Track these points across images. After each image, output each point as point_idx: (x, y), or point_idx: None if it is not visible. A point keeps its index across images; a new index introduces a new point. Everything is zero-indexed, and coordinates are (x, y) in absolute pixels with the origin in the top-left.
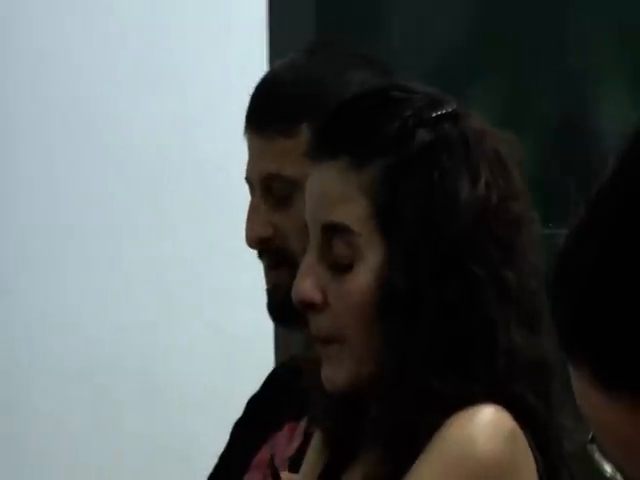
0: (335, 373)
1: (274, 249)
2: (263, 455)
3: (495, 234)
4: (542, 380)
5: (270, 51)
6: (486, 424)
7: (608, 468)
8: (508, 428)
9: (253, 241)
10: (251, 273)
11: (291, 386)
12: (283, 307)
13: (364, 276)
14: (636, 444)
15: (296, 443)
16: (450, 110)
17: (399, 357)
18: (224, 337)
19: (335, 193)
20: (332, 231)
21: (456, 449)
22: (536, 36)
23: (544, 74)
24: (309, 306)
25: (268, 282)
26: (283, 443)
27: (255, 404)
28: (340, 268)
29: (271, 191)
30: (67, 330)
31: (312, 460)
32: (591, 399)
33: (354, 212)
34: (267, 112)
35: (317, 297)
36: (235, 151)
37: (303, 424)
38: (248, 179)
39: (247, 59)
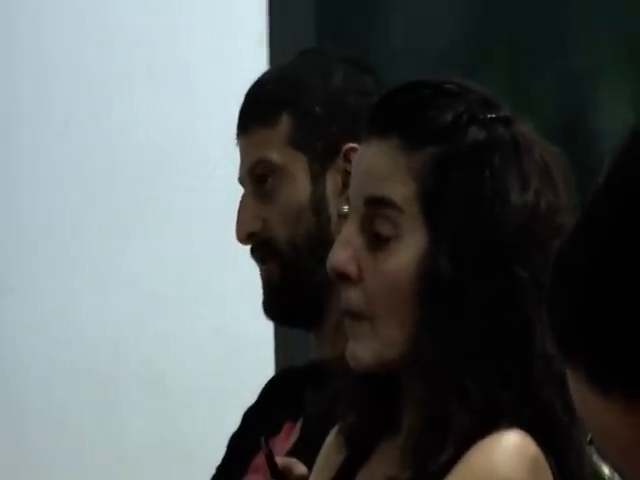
0: (361, 351)
1: (263, 242)
2: (261, 459)
3: (540, 241)
4: (568, 392)
5: (270, 51)
6: (510, 452)
7: (606, 470)
8: (531, 455)
9: (243, 236)
10: (253, 274)
11: (288, 390)
12: (277, 304)
13: (403, 256)
14: (632, 446)
15: (293, 439)
16: (504, 114)
17: (439, 345)
18: (225, 338)
19: (383, 170)
20: (376, 205)
21: (480, 477)
22: (536, 36)
23: (544, 74)
24: (343, 277)
25: (262, 280)
26: (281, 443)
27: (251, 415)
28: (379, 244)
29: (258, 181)
30: (70, 330)
31: (325, 458)
32: (587, 402)
33: (400, 190)
34: (250, 111)
35: (352, 269)
36: (237, 151)
37: (300, 423)
38: (240, 179)
39: (247, 59)
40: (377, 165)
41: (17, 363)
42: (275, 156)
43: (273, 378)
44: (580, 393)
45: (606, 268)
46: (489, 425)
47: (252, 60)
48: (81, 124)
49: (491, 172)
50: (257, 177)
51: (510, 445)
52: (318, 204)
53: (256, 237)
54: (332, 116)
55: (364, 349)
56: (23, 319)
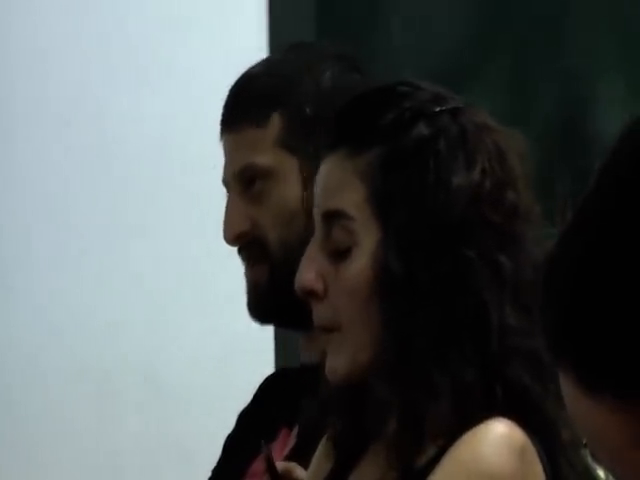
0: (335, 362)
1: (252, 243)
2: (259, 465)
3: (489, 220)
4: (538, 366)
5: (270, 51)
6: (497, 443)
7: (601, 473)
8: (519, 445)
9: (231, 237)
10: None
11: (283, 393)
12: (263, 305)
13: (360, 261)
14: (622, 447)
15: (289, 446)
16: (452, 106)
17: (399, 340)
18: (225, 338)
19: (334, 182)
20: (331, 219)
21: (467, 469)
22: (536, 36)
23: (544, 74)
24: (311, 294)
25: (248, 280)
26: (278, 449)
27: (246, 418)
28: (339, 255)
29: (246, 184)
30: (68, 329)
31: (317, 466)
32: (578, 404)
33: (350, 198)
34: (238, 107)
35: (318, 286)
36: None
37: (296, 429)
38: (225, 180)
39: (247, 59)
40: (330, 178)
41: (14, 361)
42: (265, 159)
43: (267, 379)
44: (571, 395)
45: (595, 269)
46: (464, 410)
47: (252, 60)
48: (81, 123)
49: (435, 162)
50: (246, 180)
51: (498, 437)
52: (310, 207)
53: (246, 237)
54: (322, 117)
55: (337, 360)
56: (22, 318)
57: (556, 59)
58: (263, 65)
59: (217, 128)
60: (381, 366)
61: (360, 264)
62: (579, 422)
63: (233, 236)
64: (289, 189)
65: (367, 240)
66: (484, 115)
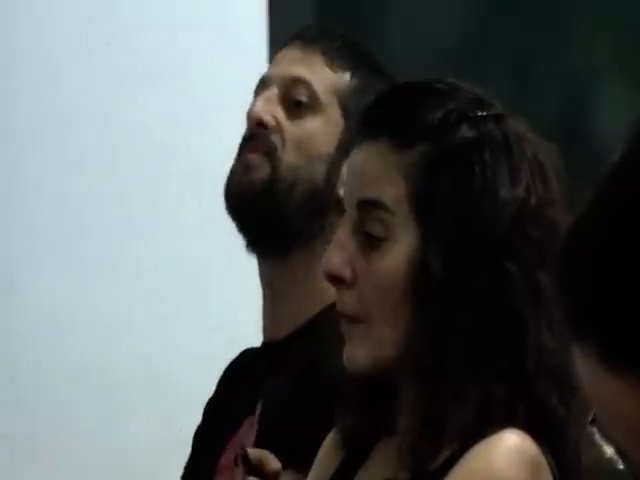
0: (356, 353)
1: (266, 142)
2: (227, 458)
3: (531, 237)
4: (566, 388)
5: (270, 51)
6: (510, 454)
7: (608, 450)
8: (532, 457)
9: (257, 117)
10: (253, 275)
11: (245, 379)
12: (247, 197)
13: (395, 257)
14: (638, 424)
15: (253, 435)
16: (495, 112)
17: (433, 344)
18: (225, 338)
19: (373, 171)
20: (367, 207)
21: (479, 478)
22: (536, 36)
23: (544, 74)
24: (337, 281)
25: (241, 161)
26: (246, 434)
27: (212, 410)
28: (372, 246)
29: (289, 96)
30: (70, 330)
31: (323, 462)
32: (596, 378)
33: (390, 190)
34: (318, 36)
35: (346, 273)
36: (236, 150)
37: (257, 414)
38: (269, 77)
39: (247, 59)
40: (368, 167)
41: (17, 363)
42: (321, 89)
43: (230, 365)
44: (588, 369)
45: (619, 245)
46: (485, 422)
47: (252, 60)
48: (84, 124)
49: (481, 168)
50: (291, 90)
51: (510, 447)
52: (333, 173)
53: (265, 131)
54: None
55: (359, 351)
56: (23, 319)
57: (556, 59)
58: (342, 34)
59: (218, 129)
60: (407, 365)
61: (395, 260)
62: (595, 397)
63: (256, 119)
64: (327, 133)
65: (404, 237)
66: (522, 124)
